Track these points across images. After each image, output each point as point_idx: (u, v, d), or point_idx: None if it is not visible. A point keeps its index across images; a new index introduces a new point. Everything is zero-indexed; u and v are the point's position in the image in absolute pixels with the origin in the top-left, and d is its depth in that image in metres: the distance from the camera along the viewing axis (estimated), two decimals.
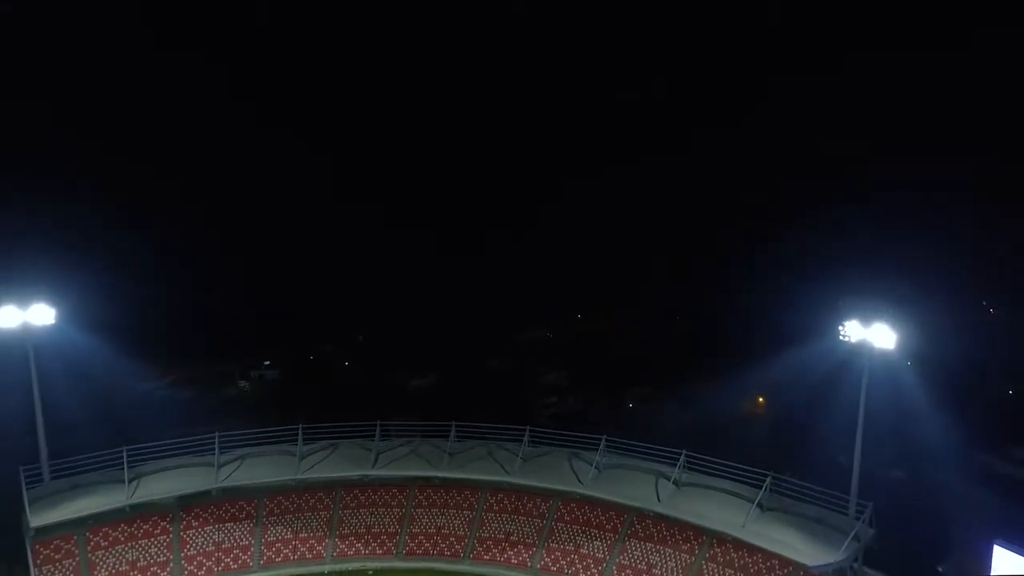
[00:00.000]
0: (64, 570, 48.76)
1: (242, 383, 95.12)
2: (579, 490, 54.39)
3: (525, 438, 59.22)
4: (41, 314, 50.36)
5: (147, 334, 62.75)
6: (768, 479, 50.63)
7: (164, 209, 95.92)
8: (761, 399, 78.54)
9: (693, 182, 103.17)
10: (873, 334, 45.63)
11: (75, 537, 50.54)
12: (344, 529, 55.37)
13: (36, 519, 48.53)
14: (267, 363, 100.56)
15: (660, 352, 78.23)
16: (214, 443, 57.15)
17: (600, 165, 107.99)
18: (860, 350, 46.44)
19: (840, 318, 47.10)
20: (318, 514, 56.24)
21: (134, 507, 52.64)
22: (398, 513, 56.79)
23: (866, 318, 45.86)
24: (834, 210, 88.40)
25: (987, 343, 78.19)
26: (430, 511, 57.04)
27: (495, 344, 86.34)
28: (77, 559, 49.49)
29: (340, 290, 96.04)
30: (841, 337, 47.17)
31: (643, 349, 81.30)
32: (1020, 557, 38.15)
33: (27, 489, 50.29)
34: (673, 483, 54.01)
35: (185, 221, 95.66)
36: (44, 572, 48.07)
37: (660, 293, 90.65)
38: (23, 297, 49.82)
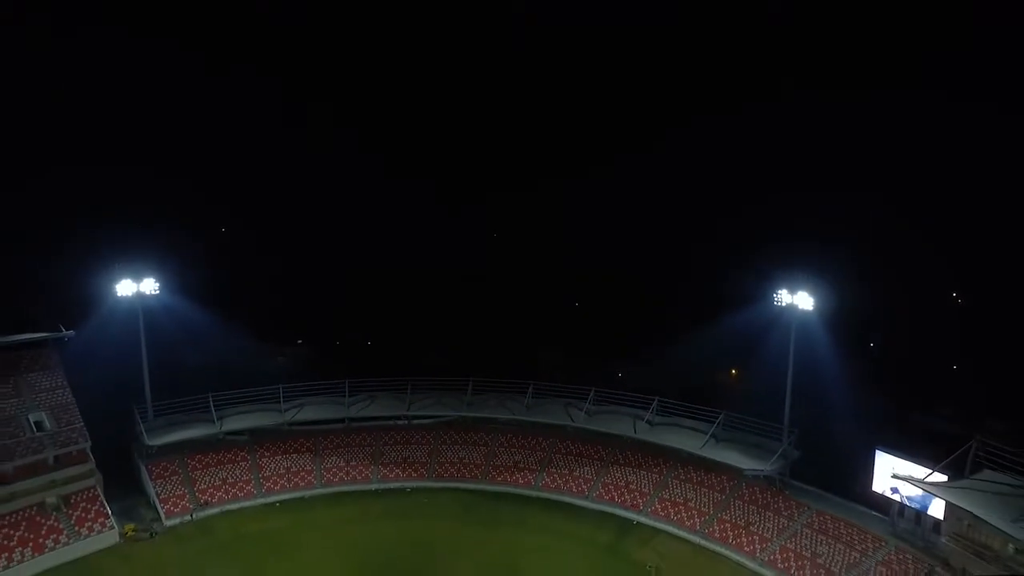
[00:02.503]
0: (173, 484, 62.61)
1: (280, 358, 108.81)
2: (572, 425, 68.65)
3: (529, 390, 73.42)
4: (149, 286, 64.18)
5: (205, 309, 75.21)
6: (721, 415, 64.77)
7: (220, 213, 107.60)
8: (733, 371, 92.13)
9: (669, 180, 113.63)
10: (797, 299, 59.33)
11: (177, 461, 64.56)
12: (385, 459, 69.16)
13: (151, 440, 62.77)
14: (299, 341, 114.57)
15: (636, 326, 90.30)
16: (278, 394, 71.44)
17: (586, 164, 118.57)
18: (788, 311, 60.00)
19: (773, 287, 60.71)
20: (364, 449, 70.11)
21: (221, 438, 67.06)
22: (427, 448, 70.69)
23: (792, 287, 59.56)
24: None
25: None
26: (453, 447, 70.95)
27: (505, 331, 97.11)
28: (181, 476, 63.42)
29: (360, 288, 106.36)
30: (775, 302, 60.78)
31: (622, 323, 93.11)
32: (890, 456, 51.97)
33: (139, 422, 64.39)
34: (647, 423, 68.10)
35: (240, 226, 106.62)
36: (159, 484, 61.98)
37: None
38: (137, 274, 63.62)
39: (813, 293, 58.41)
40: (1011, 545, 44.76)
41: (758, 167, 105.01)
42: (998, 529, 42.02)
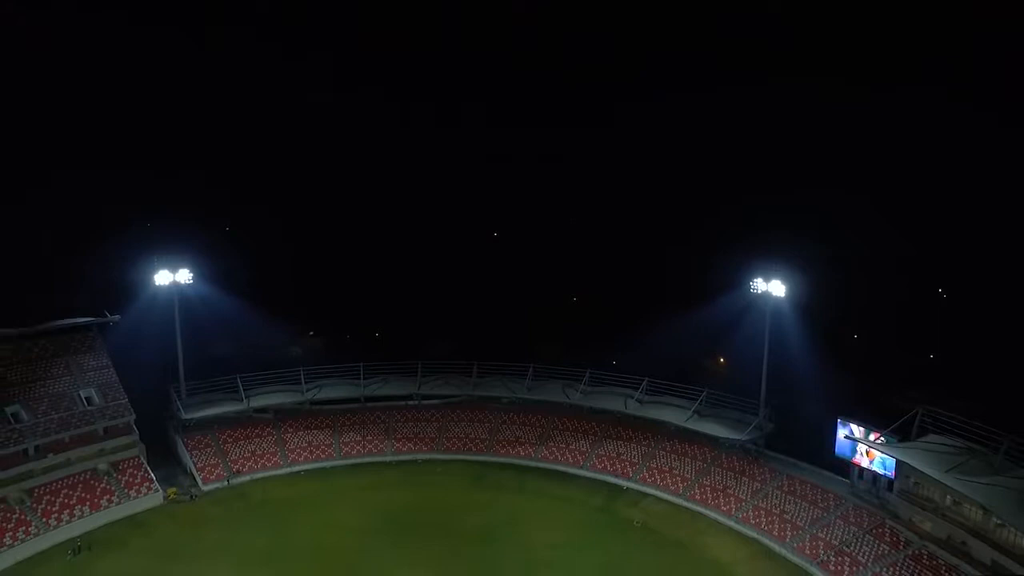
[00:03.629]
0: (207, 455, 69.29)
1: (294, 348, 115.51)
2: (569, 403, 75.36)
3: (530, 372, 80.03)
4: (184, 276, 70.68)
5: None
6: (704, 393, 71.40)
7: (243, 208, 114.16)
8: (721, 359, 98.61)
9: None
10: (772, 287, 65.78)
11: (210, 436, 71.25)
12: (398, 434, 75.75)
13: (187, 414, 69.57)
14: (311, 333, 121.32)
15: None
16: (299, 375, 78.08)
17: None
18: (763, 298, 66.47)
19: (750, 276, 67.18)
20: (378, 425, 76.73)
21: (249, 415, 73.79)
22: (437, 424, 77.30)
23: (767, 276, 66.01)
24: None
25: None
26: (460, 423, 77.53)
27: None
28: (214, 448, 70.11)
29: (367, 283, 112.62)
30: (751, 289, 67.24)
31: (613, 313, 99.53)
32: (851, 425, 58.51)
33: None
34: (637, 400, 74.66)
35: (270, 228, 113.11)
36: (195, 455, 68.68)
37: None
38: (173, 265, 70.10)
39: (785, 281, 64.96)
40: (948, 496, 51.51)
41: (735, 166, 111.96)
42: (930, 476, 48.71)
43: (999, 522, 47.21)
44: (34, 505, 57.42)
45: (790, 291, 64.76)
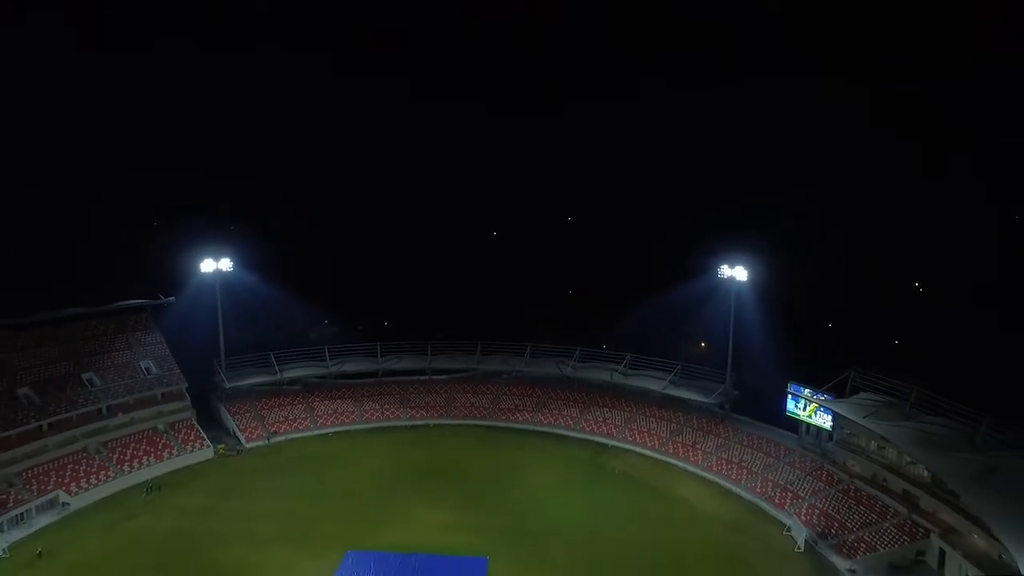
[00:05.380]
0: (248, 419, 79.91)
1: (311, 334, 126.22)
2: (562, 374, 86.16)
3: (527, 350, 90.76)
4: (225, 265, 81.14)
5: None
6: (678, 365, 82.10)
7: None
8: (703, 344, 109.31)
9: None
10: (735, 272, 76.34)
11: (249, 403, 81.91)
12: (411, 404, 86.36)
13: (230, 383, 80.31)
14: (326, 321, 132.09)
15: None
16: (324, 353, 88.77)
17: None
18: (728, 282, 77.03)
19: (718, 262, 77.77)
20: (394, 396, 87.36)
21: (282, 386, 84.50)
22: (445, 395, 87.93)
23: (731, 262, 76.59)
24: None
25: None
26: (466, 394, 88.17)
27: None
28: (253, 413, 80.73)
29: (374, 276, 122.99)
30: (719, 275, 77.81)
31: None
32: (798, 387, 69.20)
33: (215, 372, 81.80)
34: (621, 373, 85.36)
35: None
36: (237, 419, 79.32)
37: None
38: (216, 255, 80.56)
39: (747, 267, 75.55)
40: (873, 442, 62.31)
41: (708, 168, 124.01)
42: (852, 421, 59.59)
43: (910, 460, 57.96)
44: (109, 454, 68.08)
45: (751, 276, 75.43)
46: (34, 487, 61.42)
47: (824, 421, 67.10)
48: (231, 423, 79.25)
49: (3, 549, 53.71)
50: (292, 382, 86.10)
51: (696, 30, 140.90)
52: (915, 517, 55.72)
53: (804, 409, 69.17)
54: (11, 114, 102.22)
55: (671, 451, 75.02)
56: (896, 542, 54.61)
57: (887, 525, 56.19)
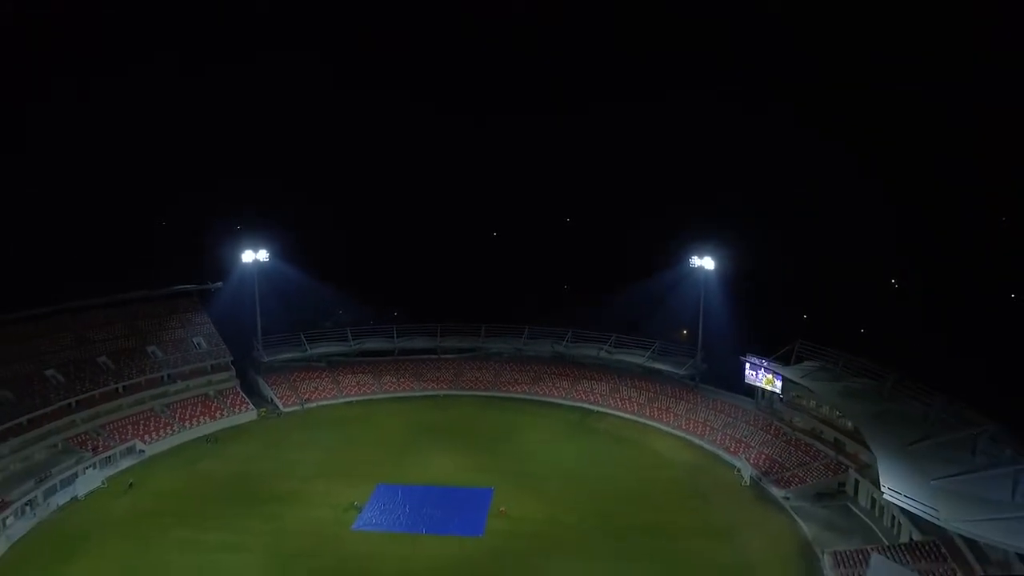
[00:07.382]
0: (283, 388, 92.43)
1: (328, 323, 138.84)
2: (555, 352, 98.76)
3: (525, 332, 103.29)
4: (263, 256, 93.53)
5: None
6: (656, 343, 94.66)
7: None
8: (685, 332, 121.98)
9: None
10: (704, 262, 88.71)
11: (283, 375, 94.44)
12: (423, 378, 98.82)
13: (267, 357, 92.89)
14: (340, 312, 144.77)
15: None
16: (346, 333, 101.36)
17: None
18: (698, 270, 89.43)
19: (690, 252, 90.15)
20: (408, 371, 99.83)
21: (311, 361, 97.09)
22: (453, 371, 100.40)
23: (700, 253, 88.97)
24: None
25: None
26: (471, 371, 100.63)
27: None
28: (287, 384, 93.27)
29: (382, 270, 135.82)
30: (691, 265, 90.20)
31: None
32: (753, 359, 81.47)
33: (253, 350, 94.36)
34: (606, 351, 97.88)
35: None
36: (274, 388, 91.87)
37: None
38: (254, 247, 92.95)
39: (716, 258, 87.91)
40: (812, 400, 74.92)
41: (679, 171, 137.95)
42: (792, 381, 72.27)
43: (839, 414, 70.54)
44: (172, 414, 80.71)
45: (719, 266, 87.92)
46: (116, 436, 74.07)
47: (775, 386, 79.59)
48: (269, 391, 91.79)
49: (103, 480, 66.47)
50: (319, 359, 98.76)
51: (696, 30, 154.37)
52: (840, 458, 68.32)
53: (760, 379, 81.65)
54: None
55: (648, 414, 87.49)
56: (823, 476, 67.26)
57: (817, 464, 68.82)
